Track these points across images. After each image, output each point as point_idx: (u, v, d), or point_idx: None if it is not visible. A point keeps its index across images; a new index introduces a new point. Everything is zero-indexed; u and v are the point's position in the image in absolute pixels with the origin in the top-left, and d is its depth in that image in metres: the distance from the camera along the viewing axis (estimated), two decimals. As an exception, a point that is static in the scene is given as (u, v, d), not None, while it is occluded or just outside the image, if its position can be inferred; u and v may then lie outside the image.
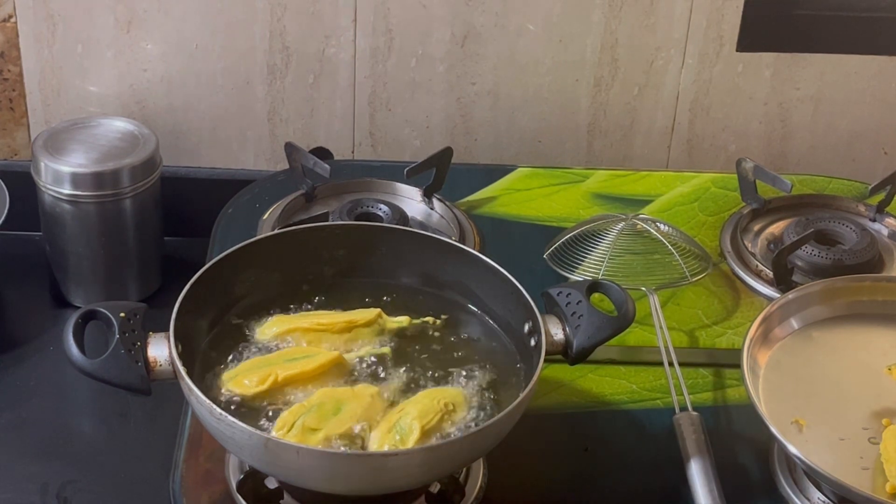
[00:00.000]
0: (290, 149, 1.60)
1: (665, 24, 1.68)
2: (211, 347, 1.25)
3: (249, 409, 1.18)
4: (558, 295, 1.25)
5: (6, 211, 1.53)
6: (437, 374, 1.24)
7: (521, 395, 1.15)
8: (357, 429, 1.16)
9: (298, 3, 1.65)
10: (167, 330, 1.17)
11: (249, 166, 1.76)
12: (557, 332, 1.23)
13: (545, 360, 1.19)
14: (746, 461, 1.30)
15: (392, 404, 1.20)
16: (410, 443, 1.13)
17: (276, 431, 1.14)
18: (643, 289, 1.43)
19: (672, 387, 1.32)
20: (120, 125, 1.59)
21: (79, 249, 1.56)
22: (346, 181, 1.61)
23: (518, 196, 1.64)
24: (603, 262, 1.47)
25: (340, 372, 1.22)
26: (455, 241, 1.39)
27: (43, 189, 1.53)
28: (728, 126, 1.76)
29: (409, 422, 1.15)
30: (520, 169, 1.69)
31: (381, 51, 1.68)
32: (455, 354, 1.26)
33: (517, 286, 1.26)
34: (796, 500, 1.24)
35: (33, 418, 1.42)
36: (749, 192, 1.61)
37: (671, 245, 1.49)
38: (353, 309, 1.29)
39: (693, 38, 1.69)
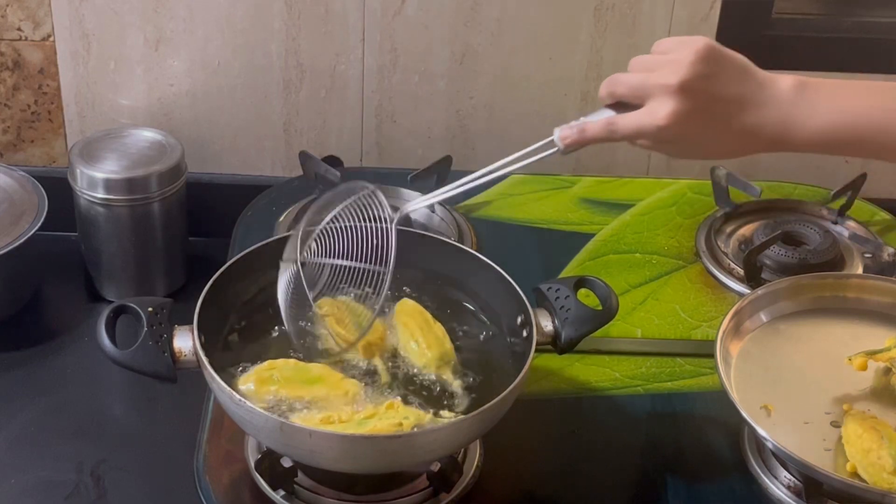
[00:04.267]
0: (304, 157, 1.59)
1: (646, 44, 1.66)
2: (231, 339, 1.25)
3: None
4: (548, 290, 1.25)
5: (45, 213, 1.52)
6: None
7: (514, 383, 1.14)
8: (306, 403, 1.16)
9: (312, 24, 1.64)
10: (191, 323, 1.17)
11: (267, 173, 1.75)
12: (547, 325, 1.23)
13: (536, 350, 1.18)
14: (719, 443, 1.29)
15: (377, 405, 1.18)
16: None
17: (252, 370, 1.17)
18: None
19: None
20: (149, 135, 1.58)
21: (111, 249, 1.55)
22: (355, 187, 1.61)
23: (512, 200, 1.64)
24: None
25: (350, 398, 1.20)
26: (454, 241, 1.39)
27: (79, 193, 1.53)
28: (703, 137, 1.75)
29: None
30: (513, 176, 1.68)
31: (387, 68, 1.68)
32: (454, 345, 1.26)
33: (510, 282, 1.25)
34: (765, 478, 1.24)
35: (69, 403, 1.41)
36: (722, 196, 1.61)
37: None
38: (362, 303, 1.29)
39: (671, 57, 1.68)
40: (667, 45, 1.16)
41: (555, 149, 1.18)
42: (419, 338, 1.23)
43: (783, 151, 1.15)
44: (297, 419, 1.14)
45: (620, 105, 1.16)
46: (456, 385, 1.21)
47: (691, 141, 1.15)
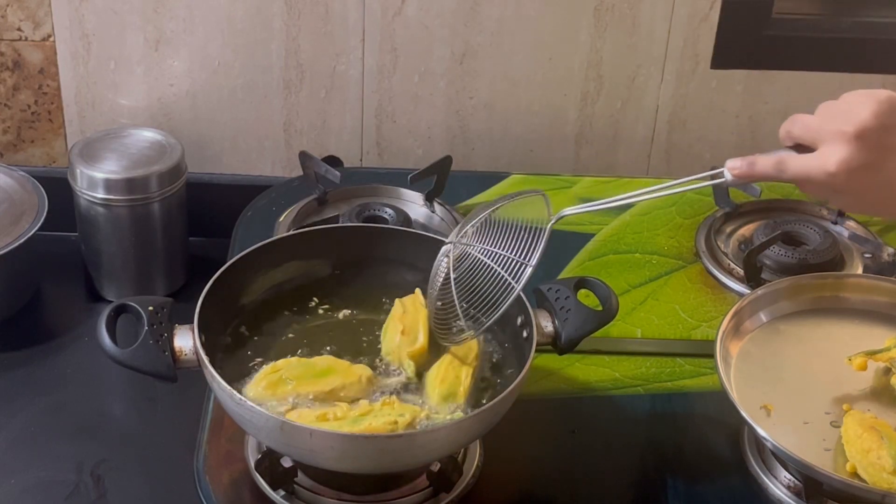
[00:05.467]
0: (304, 157, 1.59)
1: (645, 44, 1.68)
2: (231, 338, 1.25)
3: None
4: (548, 291, 1.25)
5: (45, 213, 1.53)
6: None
7: (514, 383, 1.14)
8: (326, 396, 1.17)
9: (312, 24, 1.64)
10: (192, 322, 1.17)
11: (267, 173, 1.75)
12: (547, 325, 1.23)
13: (536, 351, 1.18)
14: (719, 443, 1.29)
15: (386, 394, 1.19)
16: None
17: (259, 375, 1.18)
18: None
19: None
20: (149, 135, 1.58)
21: (111, 249, 1.55)
22: (355, 186, 1.61)
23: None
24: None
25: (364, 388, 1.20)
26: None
27: (79, 193, 1.53)
28: (703, 137, 1.75)
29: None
30: (513, 176, 1.68)
31: (387, 68, 1.68)
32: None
33: (510, 282, 1.25)
34: (765, 478, 1.24)
35: (69, 403, 1.41)
36: (722, 197, 1.61)
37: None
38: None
39: (671, 57, 1.69)
40: (852, 96, 1.12)
41: (722, 179, 1.18)
42: (442, 372, 1.21)
43: None
44: (293, 416, 1.14)
45: (800, 147, 1.14)
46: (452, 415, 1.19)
47: (861, 195, 1.11)
